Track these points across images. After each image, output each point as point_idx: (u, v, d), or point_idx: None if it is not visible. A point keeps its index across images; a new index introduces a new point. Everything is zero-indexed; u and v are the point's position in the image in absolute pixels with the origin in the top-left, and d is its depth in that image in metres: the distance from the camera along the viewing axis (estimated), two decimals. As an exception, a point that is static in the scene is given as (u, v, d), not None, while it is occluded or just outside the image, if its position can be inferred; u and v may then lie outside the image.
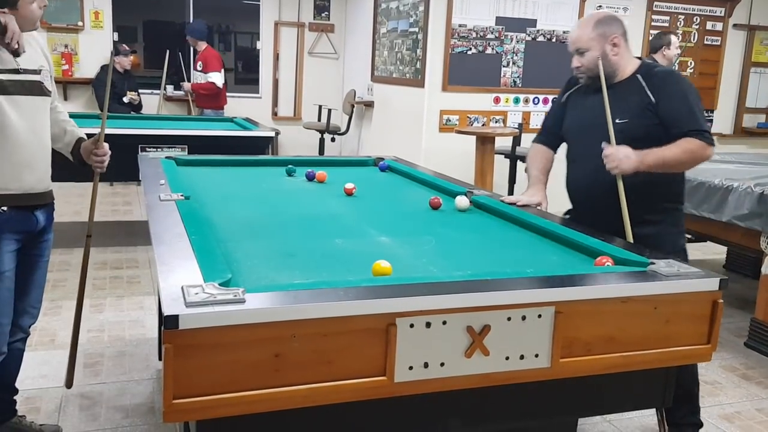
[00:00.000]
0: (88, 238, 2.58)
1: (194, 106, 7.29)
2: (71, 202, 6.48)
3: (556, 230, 2.20)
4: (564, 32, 6.87)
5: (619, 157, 2.35)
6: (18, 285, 2.35)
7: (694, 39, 7.48)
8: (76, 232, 5.60)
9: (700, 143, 2.39)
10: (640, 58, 2.73)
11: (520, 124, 6.41)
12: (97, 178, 2.67)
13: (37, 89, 2.27)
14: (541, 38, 6.82)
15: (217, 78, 6.96)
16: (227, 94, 7.32)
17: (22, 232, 2.28)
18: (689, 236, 4.50)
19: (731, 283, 4.91)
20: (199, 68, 7.04)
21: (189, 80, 7.48)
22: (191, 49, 7.57)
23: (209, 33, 8.38)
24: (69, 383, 2.72)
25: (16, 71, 2.20)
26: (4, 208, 2.20)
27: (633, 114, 2.46)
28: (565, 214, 2.73)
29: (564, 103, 2.71)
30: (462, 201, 2.61)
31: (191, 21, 7.34)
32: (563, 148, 2.77)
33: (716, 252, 5.51)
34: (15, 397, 2.57)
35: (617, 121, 2.45)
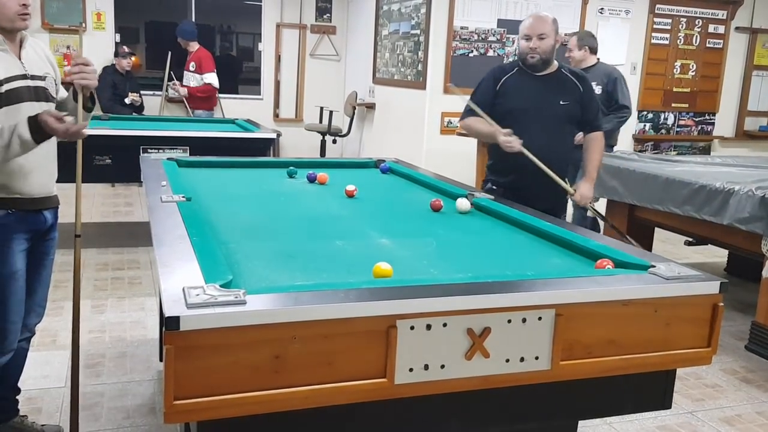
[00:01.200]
0: (76, 238, 2.52)
1: (189, 108, 7.27)
2: (72, 203, 6.49)
3: (557, 233, 2.20)
4: (566, 35, 6.86)
5: (587, 195, 3.19)
6: (27, 283, 2.36)
7: (695, 42, 7.47)
8: (77, 232, 5.61)
9: (601, 135, 3.27)
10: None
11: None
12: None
13: (42, 95, 2.28)
14: (542, 41, 6.82)
15: (214, 79, 6.98)
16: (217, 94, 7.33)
17: (31, 231, 2.32)
18: (690, 239, 4.51)
19: (732, 286, 4.88)
20: (192, 69, 7.03)
21: (173, 80, 7.42)
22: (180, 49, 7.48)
23: (212, 34, 8.41)
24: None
25: (24, 77, 2.21)
26: (12, 210, 2.23)
27: (571, 98, 3.12)
28: (488, 190, 3.11)
29: (497, 89, 3.13)
30: (463, 203, 2.61)
31: (182, 22, 7.33)
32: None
33: (717, 255, 5.51)
34: (17, 397, 2.57)
35: (561, 102, 3.09)
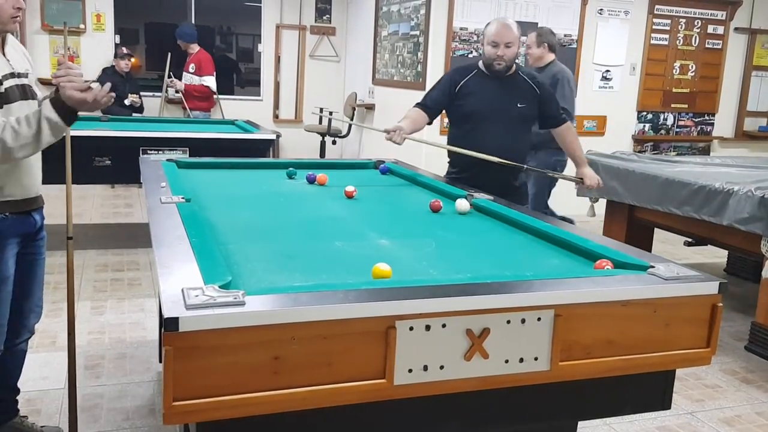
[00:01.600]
0: (69, 240, 2.49)
1: (186, 108, 7.27)
2: (72, 204, 6.49)
3: (556, 233, 2.20)
4: (565, 35, 6.88)
5: (593, 175, 3.56)
6: (22, 286, 2.37)
7: (695, 42, 7.48)
8: (76, 234, 5.59)
9: (569, 124, 3.56)
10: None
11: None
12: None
13: (30, 93, 2.26)
14: (542, 41, 6.82)
15: (212, 82, 7.02)
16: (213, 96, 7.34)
17: (22, 235, 2.30)
18: (690, 240, 4.51)
19: (732, 286, 4.91)
20: (191, 70, 7.05)
21: (171, 77, 7.41)
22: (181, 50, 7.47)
23: (211, 35, 8.42)
24: None
25: (13, 75, 2.19)
26: (7, 214, 2.22)
27: (527, 101, 3.32)
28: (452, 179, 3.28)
29: (456, 91, 3.30)
30: (462, 204, 2.61)
31: (180, 25, 7.35)
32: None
33: (717, 256, 5.51)
34: (17, 398, 2.57)
35: (519, 105, 3.30)
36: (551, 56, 5.08)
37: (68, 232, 2.49)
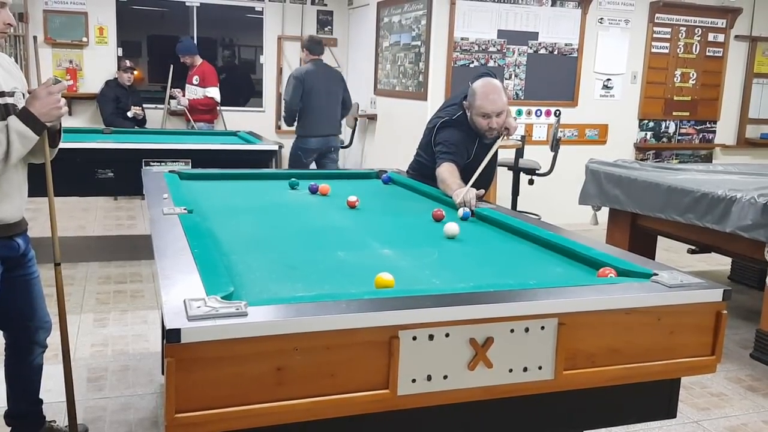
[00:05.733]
0: (56, 266, 2.46)
1: (190, 120, 7.28)
2: (75, 217, 6.51)
3: (559, 242, 2.20)
4: (566, 44, 6.90)
5: (513, 124, 3.31)
6: (23, 308, 2.40)
7: (695, 50, 7.49)
8: (79, 246, 5.61)
9: None
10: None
11: (522, 137, 6.41)
12: (50, 181, 2.40)
13: (12, 112, 2.19)
14: (543, 51, 6.85)
15: (216, 93, 7.07)
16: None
17: (4, 258, 2.28)
18: (694, 247, 4.50)
19: (737, 294, 4.89)
20: (195, 82, 7.08)
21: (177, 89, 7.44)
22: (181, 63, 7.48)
23: (214, 47, 8.45)
24: None
25: (2, 94, 2.16)
26: None
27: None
28: None
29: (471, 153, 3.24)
30: (451, 228, 2.38)
31: (181, 40, 7.38)
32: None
33: (721, 263, 5.49)
34: (42, 406, 2.64)
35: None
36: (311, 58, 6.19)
37: (55, 258, 2.46)
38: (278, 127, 8.60)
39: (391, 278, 1.70)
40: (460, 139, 3.24)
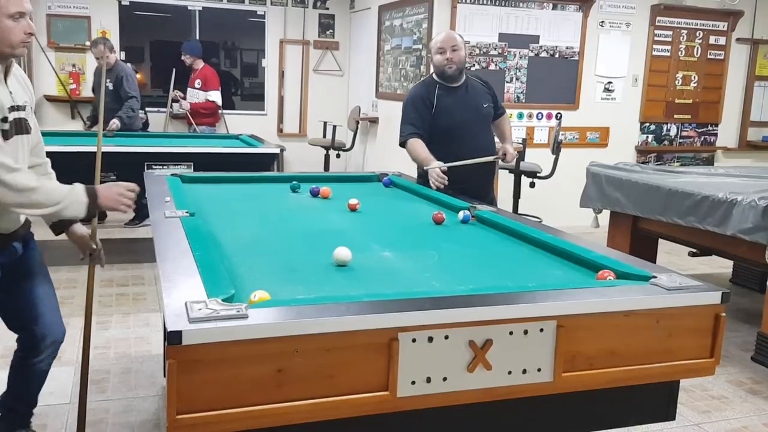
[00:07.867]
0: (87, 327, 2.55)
1: (192, 123, 7.29)
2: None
3: (558, 244, 2.21)
4: (567, 48, 6.91)
5: (512, 152, 3.63)
6: (26, 312, 2.38)
7: (697, 53, 7.49)
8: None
9: (506, 114, 3.88)
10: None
11: (523, 139, 6.43)
12: (94, 268, 2.65)
13: (24, 128, 2.19)
14: (544, 54, 6.86)
15: (217, 97, 7.10)
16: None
17: (1, 263, 2.27)
18: (694, 250, 4.50)
19: (738, 297, 4.89)
20: (197, 86, 7.10)
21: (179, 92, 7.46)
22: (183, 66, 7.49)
23: (216, 50, 8.48)
24: None
25: (13, 108, 2.13)
26: None
27: (487, 100, 3.65)
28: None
29: (434, 106, 3.51)
30: (341, 254, 2.01)
31: (188, 41, 7.42)
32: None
33: (723, 266, 5.49)
34: (32, 410, 2.58)
35: (484, 106, 3.63)
36: (113, 57, 6.28)
37: (87, 318, 2.56)
38: (280, 130, 8.62)
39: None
40: (415, 103, 3.53)
